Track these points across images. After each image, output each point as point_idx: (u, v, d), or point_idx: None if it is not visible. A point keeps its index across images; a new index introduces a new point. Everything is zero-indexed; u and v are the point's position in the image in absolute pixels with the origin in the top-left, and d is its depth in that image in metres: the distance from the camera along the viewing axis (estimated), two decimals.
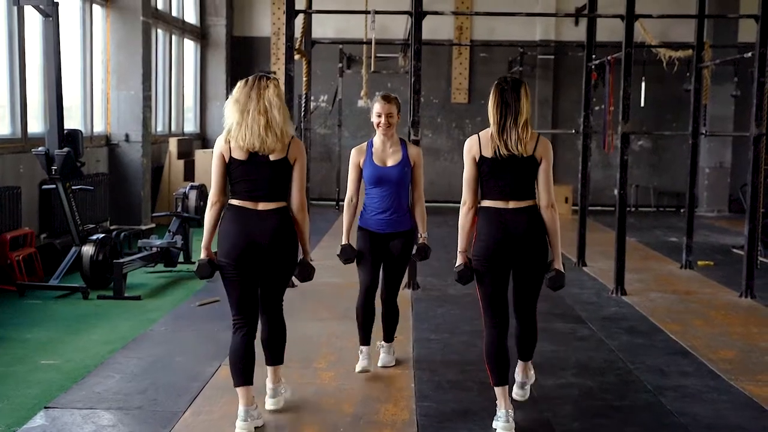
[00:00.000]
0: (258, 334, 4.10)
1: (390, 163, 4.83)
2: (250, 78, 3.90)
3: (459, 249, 4.08)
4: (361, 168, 4.87)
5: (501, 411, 4.07)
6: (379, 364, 5.15)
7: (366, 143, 4.93)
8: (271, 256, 3.91)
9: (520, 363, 4.44)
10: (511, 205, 3.99)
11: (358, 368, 5.01)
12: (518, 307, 4.17)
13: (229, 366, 4.04)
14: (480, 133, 4.02)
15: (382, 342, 5.19)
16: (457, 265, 4.08)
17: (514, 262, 4.00)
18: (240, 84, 3.90)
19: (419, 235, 4.92)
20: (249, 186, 3.88)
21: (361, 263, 4.94)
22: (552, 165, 4.06)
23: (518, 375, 4.47)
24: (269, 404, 4.32)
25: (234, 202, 3.93)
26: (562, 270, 4.09)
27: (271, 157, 3.87)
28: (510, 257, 3.98)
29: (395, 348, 5.24)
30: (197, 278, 4.19)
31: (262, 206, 3.91)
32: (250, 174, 3.86)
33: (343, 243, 4.93)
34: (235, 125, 3.83)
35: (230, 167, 3.89)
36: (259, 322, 4.12)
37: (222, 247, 3.94)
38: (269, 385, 4.33)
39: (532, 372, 4.50)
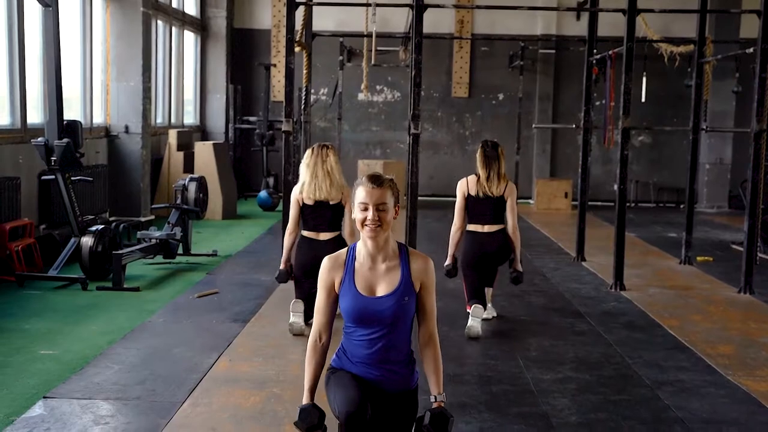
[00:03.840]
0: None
1: (382, 290, 3.08)
2: (315, 147, 5.61)
3: (449, 254, 5.96)
4: (336, 293, 3.12)
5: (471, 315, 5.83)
6: None
7: (345, 252, 3.15)
8: None
9: (486, 290, 5.97)
10: (486, 229, 5.84)
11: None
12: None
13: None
14: (468, 178, 5.88)
15: None
16: (446, 264, 5.93)
17: (487, 264, 5.91)
18: (308, 152, 5.62)
19: (432, 397, 3.10)
20: (315, 222, 5.60)
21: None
22: (516, 200, 5.82)
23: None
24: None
25: (304, 233, 5.65)
26: (521, 270, 5.94)
27: (331, 203, 5.57)
28: (485, 262, 5.89)
29: None
30: (276, 282, 6.03)
31: (323, 236, 5.59)
32: (315, 214, 5.58)
33: (303, 404, 3.13)
34: (307, 183, 5.57)
35: (302, 209, 5.62)
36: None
37: (296, 261, 5.68)
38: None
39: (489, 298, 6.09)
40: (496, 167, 5.74)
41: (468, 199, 5.83)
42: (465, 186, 5.86)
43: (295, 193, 5.68)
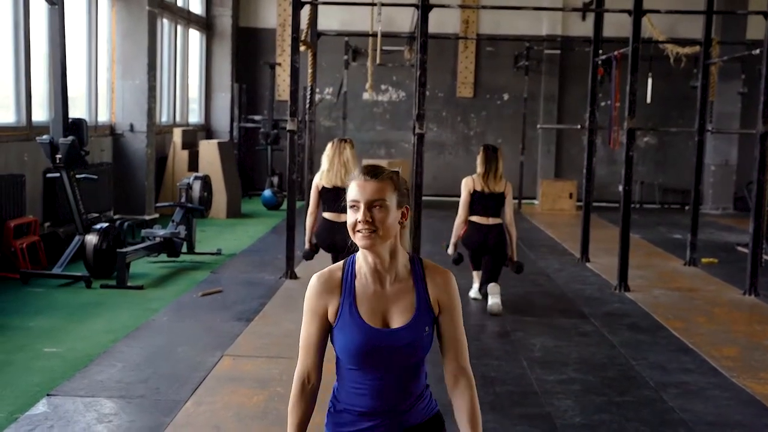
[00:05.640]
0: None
1: (397, 321, 2.26)
2: (336, 141, 6.36)
3: (451, 243, 6.74)
4: (330, 323, 2.31)
5: (475, 285, 6.94)
6: None
7: (340, 268, 2.33)
8: (348, 250, 5.87)
9: (490, 286, 6.58)
10: (490, 221, 6.59)
11: None
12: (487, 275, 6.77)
13: None
14: (473, 176, 6.63)
15: None
16: (451, 253, 6.75)
17: (488, 252, 6.66)
18: (329, 145, 6.35)
19: None
20: (333, 205, 6.15)
21: None
22: (512, 197, 6.71)
23: (491, 296, 6.54)
24: None
25: (325, 215, 6.28)
26: (519, 261, 6.72)
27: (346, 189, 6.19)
28: (485, 251, 6.67)
29: None
30: (303, 259, 6.66)
31: (343, 218, 6.77)
32: (334, 198, 6.08)
33: None
34: (326, 170, 6.26)
35: (321, 193, 6.27)
36: None
37: (320, 241, 6.33)
38: None
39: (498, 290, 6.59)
40: (494, 167, 6.56)
41: (473, 194, 6.58)
42: (471, 183, 6.60)
43: (316, 180, 6.35)
